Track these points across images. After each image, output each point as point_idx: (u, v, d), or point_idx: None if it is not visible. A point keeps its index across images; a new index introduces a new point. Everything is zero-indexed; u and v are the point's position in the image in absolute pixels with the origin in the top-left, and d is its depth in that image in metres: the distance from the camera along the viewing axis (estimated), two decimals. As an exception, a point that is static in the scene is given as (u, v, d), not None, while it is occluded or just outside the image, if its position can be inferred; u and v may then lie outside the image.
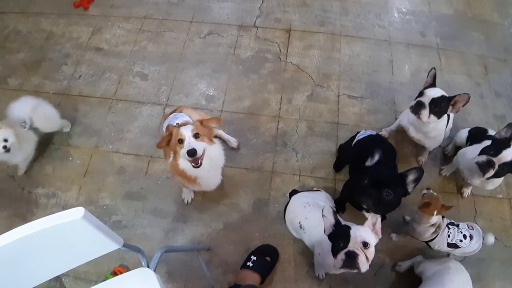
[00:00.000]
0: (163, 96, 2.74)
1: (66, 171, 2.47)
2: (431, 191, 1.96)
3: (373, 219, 1.54)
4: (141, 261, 1.51)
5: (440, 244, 1.92)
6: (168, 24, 3.11)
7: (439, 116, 2.01)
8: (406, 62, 2.96)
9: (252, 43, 3.00)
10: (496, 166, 1.89)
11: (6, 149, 2.10)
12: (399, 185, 1.71)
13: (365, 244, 1.46)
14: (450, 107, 1.99)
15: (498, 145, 1.91)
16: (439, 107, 1.97)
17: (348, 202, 2.20)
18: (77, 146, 2.56)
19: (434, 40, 3.09)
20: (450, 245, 1.90)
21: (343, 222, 1.60)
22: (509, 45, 3.12)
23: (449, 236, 1.89)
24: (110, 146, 2.56)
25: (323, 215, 1.58)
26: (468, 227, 1.95)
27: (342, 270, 1.54)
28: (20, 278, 1.24)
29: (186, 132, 1.75)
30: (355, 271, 1.45)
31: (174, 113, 2.15)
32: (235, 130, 2.58)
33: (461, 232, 1.91)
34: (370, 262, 1.46)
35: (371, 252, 1.47)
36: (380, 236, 1.55)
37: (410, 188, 1.72)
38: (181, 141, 1.75)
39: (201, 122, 1.86)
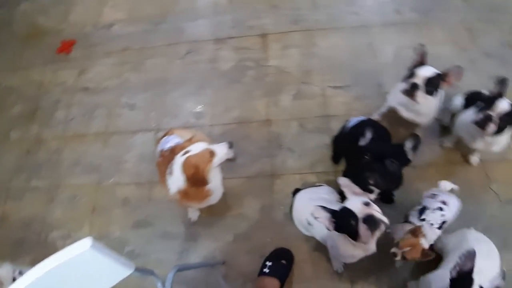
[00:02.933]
0: (152, 122, 2.69)
1: (75, 211, 2.44)
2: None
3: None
4: (156, 282, 1.47)
5: (433, 235, 1.78)
6: (146, 52, 3.08)
7: (434, 94, 1.95)
8: (386, 43, 2.88)
9: (230, 54, 2.95)
10: (497, 119, 1.80)
11: None
12: (400, 154, 1.66)
13: (367, 203, 1.45)
14: (443, 82, 1.93)
15: (491, 100, 1.83)
16: (433, 85, 1.91)
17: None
18: (81, 185, 2.53)
19: (411, 16, 3.02)
20: (440, 227, 1.77)
21: (336, 204, 1.60)
22: (493, 4, 3.03)
23: (432, 224, 1.76)
24: (111, 180, 2.51)
25: (315, 218, 1.53)
26: (432, 197, 1.85)
27: (361, 255, 1.60)
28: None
29: (204, 145, 1.75)
30: (384, 228, 1.44)
31: (165, 137, 2.11)
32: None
33: (434, 209, 1.79)
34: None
35: (375, 206, 1.46)
36: None
37: (410, 155, 1.66)
38: (212, 153, 1.72)
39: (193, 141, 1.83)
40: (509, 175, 2.31)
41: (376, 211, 1.44)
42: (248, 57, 2.92)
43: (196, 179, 1.70)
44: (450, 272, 1.45)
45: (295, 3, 3.21)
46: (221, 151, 1.73)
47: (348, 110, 2.56)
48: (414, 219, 1.80)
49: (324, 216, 1.50)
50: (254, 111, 2.64)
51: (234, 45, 3.00)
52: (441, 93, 2.14)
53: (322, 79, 2.73)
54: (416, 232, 1.63)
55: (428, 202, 1.83)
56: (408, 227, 1.74)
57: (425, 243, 1.63)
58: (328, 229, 1.53)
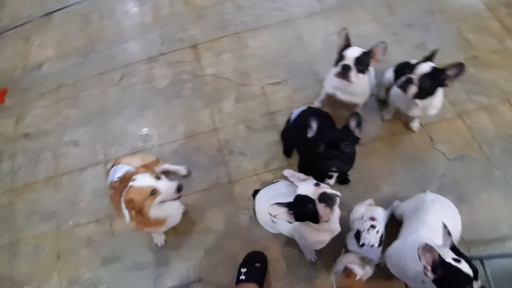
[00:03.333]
0: (100, 154, 2.60)
1: (40, 262, 2.32)
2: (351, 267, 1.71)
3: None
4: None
5: (377, 255, 1.81)
6: (81, 85, 2.97)
7: (364, 72, 2.00)
8: (313, 32, 2.93)
9: (165, 71, 2.91)
10: (416, 81, 1.87)
11: None
12: (349, 135, 1.69)
13: (316, 184, 1.49)
14: (371, 59, 1.98)
15: (415, 66, 1.90)
16: (363, 64, 1.95)
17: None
18: (41, 234, 2.41)
19: (331, 2, 3.09)
20: (380, 243, 1.80)
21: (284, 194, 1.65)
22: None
23: (373, 246, 1.77)
24: (70, 222, 2.41)
25: (274, 217, 1.53)
26: (361, 218, 1.89)
27: (328, 238, 1.66)
28: None
29: (151, 181, 1.66)
30: (338, 201, 1.47)
31: (113, 167, 2.05)
32: (181, 157, 2.48)
33: (367, 230, 1.80)
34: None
35: (323, 185, 1.49)
36: None
37: (357, 133, 1.70)
38: (154, 192, 1.64)
39: (146, 166, 1.77)
40: (450, 133, 2.43)
41: (326, 188, 1.47)
42: (183, 70, 2.89)
43: (135, 210, 1.66)
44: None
45: (220, 9, 3.21)
46: (167, 191, 1.67)
47: (290, 103, 2.59)
48: (354, 247, 1.80)
49: (281, 211, 1.50)
50: (200, 123, 2.61)
51: (167, 61, 2.96)
52: (370, 70, 2.21)
53: (259, 78, 2.75)
54: (348, 274, 1.66)
55: (359, 225, 1.85)
56: (350, 257, 1.77)
57: (364, 276, 1.68)
58: (290, 222, 1.53)
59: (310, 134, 1.76)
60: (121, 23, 3.32)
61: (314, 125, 1.75)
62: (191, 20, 3.18)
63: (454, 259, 1.32)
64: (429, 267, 1.31)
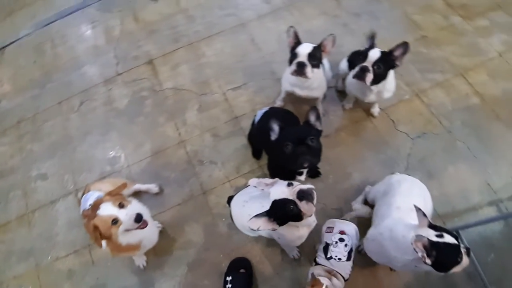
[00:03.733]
0: (69, 184, 2.53)
1: (25, 303, 2.25)
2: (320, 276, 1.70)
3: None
4: None
5: (346, 269, 1.78)
6: (41, 116, 2.89)
7: (318, 66, 2.03)
8: (266, 33, 2.96)
9: (124, 91, 2.87)
10: (371, 67, 1.91)
11: None
12: (312, 129, 1.72)
13: (289, 184, 1.47)
14: (322, 52, 2.01)
15: (365, 53, 1.93)
16: (316, 58, 1.98)
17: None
18: (21, 274, 2.33)
19: (279, 2, 3.12)
20: (349, 257, 1.78)
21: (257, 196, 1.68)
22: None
23: (340, 259, 1.76)
24: (49, 257, 2.34)
25: (257, 230, 1.50)
26: (330, 231, 1.87)
27: (307, 233, 1.67)
28: None
29: (113, 210, 1.61)
30: (315, 193, 1.46)
31: (84, 195, 2.00)
32: (151, 175, 2.45)
33: (335, 243, 1.80)
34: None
35: (295, 182, 1.49)
36: None
37: (319, 126, 1.74)
38: (115, 221, 1.61)
39: (112, 193, 1.72)
40: (410, 113, 2.49)
41: (300, 185, 1.46)
42: (141, 88, 2.85)
43: (104, 238, 1.63)
44: None
45: (171, 22, 3.19)
46: (127, 220, 1.63)
47: (252, 105, 2.60)
48: (321, 260, 1.79)
49: (262, 222, 1.48)
50: (165, 137, 2.59)
51: (124, 81, 2.92)
52: (325, 63, 2.24)
53: (219, 85, 2.75)
54: (315, 283, 1.64)
55: (328, 238, 1.84)
56: (317, 269, 1.76)
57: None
58: (275, 229, 1.51)
59: (273, 136, 1.76)
60: (74, 48, 3.26)
61: (275, 127, 1.74)
62: (144, 36, 3.16)
63: (437, 235, 1.35)
64: (425, 255, 1.33)
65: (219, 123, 2.57)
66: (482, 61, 2.69)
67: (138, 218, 1.64)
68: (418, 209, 1.44)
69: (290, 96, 2.41)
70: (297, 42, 2.01)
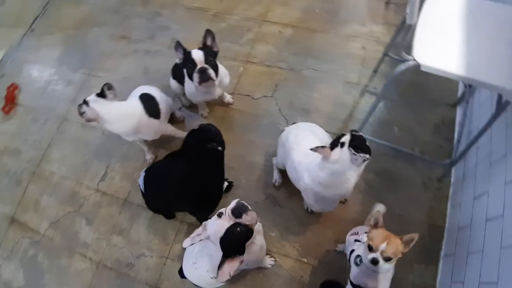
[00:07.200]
0: None
1: None
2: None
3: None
4: None
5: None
6: None
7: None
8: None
9: (11, 266, 2.26)
10: (206, 65, 1.87)
11: None
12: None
13: (220, 214, 1.38)
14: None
15: (187, 59, 1.90)
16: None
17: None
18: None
19: (82, 76, 2.84)
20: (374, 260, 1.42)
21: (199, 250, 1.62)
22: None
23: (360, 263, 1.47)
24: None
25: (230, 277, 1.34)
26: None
27: (260, 235, 1.61)
28: None
29: None
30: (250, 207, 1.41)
31: None
32: None
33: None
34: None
35: (227, 209, 1.39)
36: None
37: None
38: None
39: None
40: (252, 79, 2.54)
41: (228, 208, 1.38)
42: (24, 250, 2.30)
43: None
44: None
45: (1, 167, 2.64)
46: None
47: (130, 179, 2.35)
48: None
49: (228, 268, 1.33)
50: (79, 273, 2.15)
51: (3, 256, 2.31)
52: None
53: (86, 185, 2.40)
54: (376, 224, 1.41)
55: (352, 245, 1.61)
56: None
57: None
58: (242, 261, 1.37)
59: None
60: None
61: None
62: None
63: (341, 142, 1.42)
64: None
65: (114, 220, 2.25)
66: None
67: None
68: (314, 149, 1.42)
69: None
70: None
